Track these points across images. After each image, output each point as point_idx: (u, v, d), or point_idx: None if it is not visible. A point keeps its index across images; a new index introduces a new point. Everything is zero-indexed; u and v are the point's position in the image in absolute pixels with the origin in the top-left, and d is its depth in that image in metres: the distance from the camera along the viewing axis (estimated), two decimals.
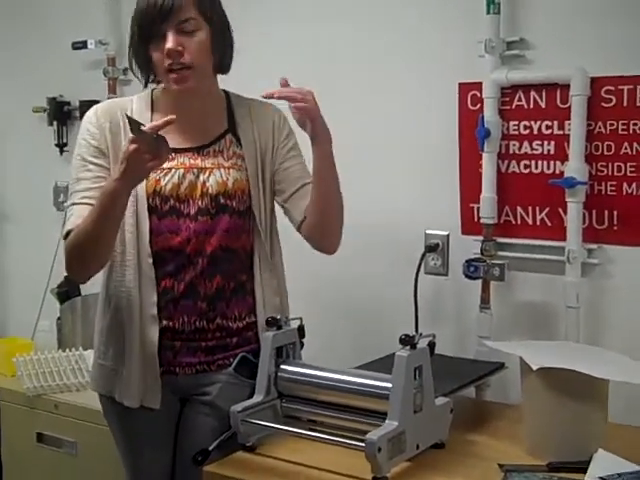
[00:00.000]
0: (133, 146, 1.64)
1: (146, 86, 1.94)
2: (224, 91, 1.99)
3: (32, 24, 3.31)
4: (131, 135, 1.65)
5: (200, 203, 1.86)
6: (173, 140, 1.88)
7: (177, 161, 1.88)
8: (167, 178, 1.87)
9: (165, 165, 1.85)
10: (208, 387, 1.90)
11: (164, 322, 1.87)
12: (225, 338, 1.91)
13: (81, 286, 2.99)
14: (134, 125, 1.64)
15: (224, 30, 1.89)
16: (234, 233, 1.90)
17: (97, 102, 2.00)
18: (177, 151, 1.88)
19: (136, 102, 1.94)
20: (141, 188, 1.84)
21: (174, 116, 1.68)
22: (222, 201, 1.87)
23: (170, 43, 1.79)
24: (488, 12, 2.22)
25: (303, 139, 1.91)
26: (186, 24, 1.80)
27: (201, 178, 1.88)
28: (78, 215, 1.81)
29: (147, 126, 1.66)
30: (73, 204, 1.85)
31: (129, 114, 1.86)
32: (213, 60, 1.87)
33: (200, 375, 1.90)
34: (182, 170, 1.87)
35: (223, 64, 1.91)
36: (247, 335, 1.93)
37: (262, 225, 1.93)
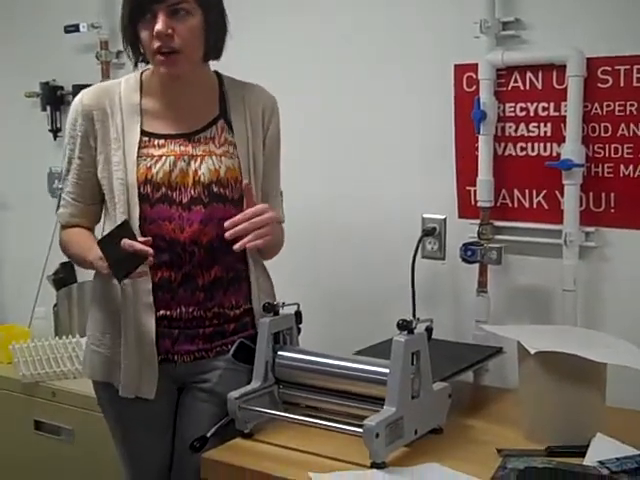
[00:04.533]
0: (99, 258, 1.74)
1: (136, 66, 1.91)
2: (217, 73, 1.96)
3: (24, 8, 3.29)
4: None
5: (193, 192, 1.84)
6: (163, 126, 1.88)
7: (167, 148, 1.86)
8: (158, 166, 1.84)
9: (156, 152, 1.85)
10: (207, 374, 1.90)
11: (161, 311, 1.86)
12: (222, 325, 1.90)
13: (77, 273, 2.99)
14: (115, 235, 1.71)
15: (218, 16, 1.86)
16: None
17: (90, 86, 1.97)
18: (167, 137, 1.87)
19: (124, 85, 1.91)
20: (132, 177, 1.83)
21: (152, 252, 1.69)
22: (215, 190, 1.85)
23: (160, 25, 1.76)
24: None
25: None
26: (179, 7, 1.77)
27: (192, 166, 1.85)
28: (66, 212, 1.94)
29: (125, 244, 1.68)
30: (63, 193, 1.94)
31: (117, 97, 1.86)
32: (205, 46, 1.84)
33: (198, 362, 1.89)
34: (173, 157, 1.85)
35: (215, 50, 1.88)
36: (244, 321, 1.93)
37: None
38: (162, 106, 1.89)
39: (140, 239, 1.71)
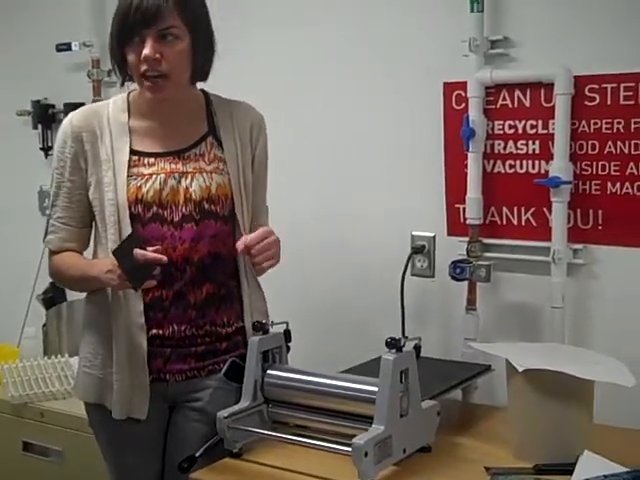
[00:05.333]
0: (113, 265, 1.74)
1: (122, 85, 1.90)
2: (202, 92, 1.96)
3: (16, 26, 3.29)
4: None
5: (184, 209, 1.84)
6: (152, 145, 1.88)
7: (157, 166, 1.86)
8: (148, 185, 1.84)
9: (146, 171, 1.85)
10: (198, 393, 1.89)
11: (153, 330, 1.85)
12: (214, 343, 1.90)
13: (67, 292, 2.98)
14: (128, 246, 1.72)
15: (207, 39, 1.86)
16: (220, 239, 1.88)
17: (82, 104, 1.99)
18: (157, 155, 1.87)
19: (112, 106, 1.91)
20: (122, 196, 1.82)
21: (165, 259, 1.72)
22: (207, 207, 1.85)
23: (148, 50, 1.76)
24: (472, 10, 2.22)
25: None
26: (167, 32, 1.77)
27: (183, 183, 1.85)
28: (57, 237, 1.91)
29: (138, 254, 1.70)
30: (52, 219, 1.92)
31: (105, 118, 1.86)
32: (192, 68, 1.84)
33: (190, 381, 1.89)
34: (163, 175, 1.85)
35: (202, 72, 1.88)
36: (236, 339, 1.93)
37: (245, 229, 1.91)
38: (150, 125, 1.89)
39: (150, 248, 1.73)
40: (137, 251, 1.70)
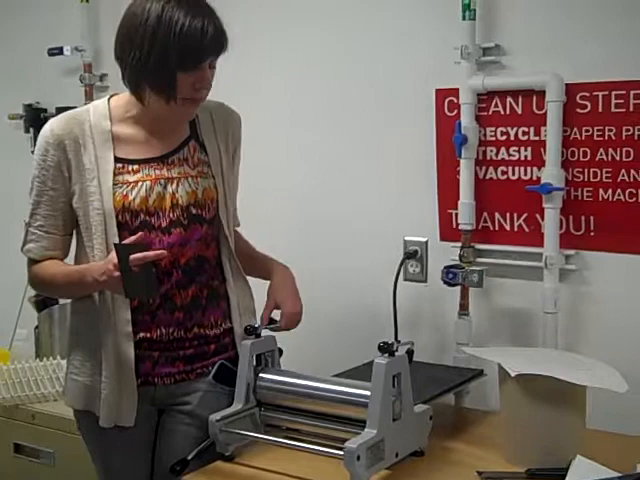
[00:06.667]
0: (114, 261, 1.70)
1: (143, 104, 1.82)
2: None
3: (7, 30, 3.29)
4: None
5: (172, 215, 1.84)
6: (135, 151, 1.86)
7: (142, 173, 1.84)
8: (134, 192, 1.82)
9: (131, 179, 1.83)
10: (188, 396, 1.89)
11: (141, 334, 1.85)
12: (203, 346, 1.90)
13: None
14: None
15: None
16: (205, 242, 1.89)
17: (74, 109, 1.95)
18: (141, 162, 1.85)
19: (93, 111, 1.87)
20: (108, 205, 1.80)
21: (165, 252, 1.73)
22: (194, 211, 1.86)
23: (208, 79, 1.78)
24: (464, 18, 2.23)
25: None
26: (216, 60, 1.79)
27: (169, 189, 1.84)
28: (39, 245, 1.88)
29: (135, 257, 1.68)
30: (31, 228, 1.88)
31: (87, 126, 1.84)
32: None
33: (179, 384, 1.88)
34: (149, 182, 1.84)
35: None
36: (224, 342, 1.93)
37: (228, 230, 1.93)
38: (133, 131, 1.87)
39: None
40: (134, 256, 1.67)
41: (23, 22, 3.24)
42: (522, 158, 2.24)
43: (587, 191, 2.16)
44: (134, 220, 1.82)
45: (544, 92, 2.15)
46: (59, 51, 3.06)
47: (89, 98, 3.03)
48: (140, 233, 1.75)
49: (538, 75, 2.17)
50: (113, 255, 1.71)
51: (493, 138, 2.28)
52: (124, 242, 1.75)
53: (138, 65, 1.74)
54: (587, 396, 1.77)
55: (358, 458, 1.58)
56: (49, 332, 2.97)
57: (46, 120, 3.15)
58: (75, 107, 1.98)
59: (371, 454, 1.62)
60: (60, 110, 2.98)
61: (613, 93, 2.09)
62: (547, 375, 1.69)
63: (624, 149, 2.10)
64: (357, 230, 2.49)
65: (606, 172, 2.13)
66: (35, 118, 3.20)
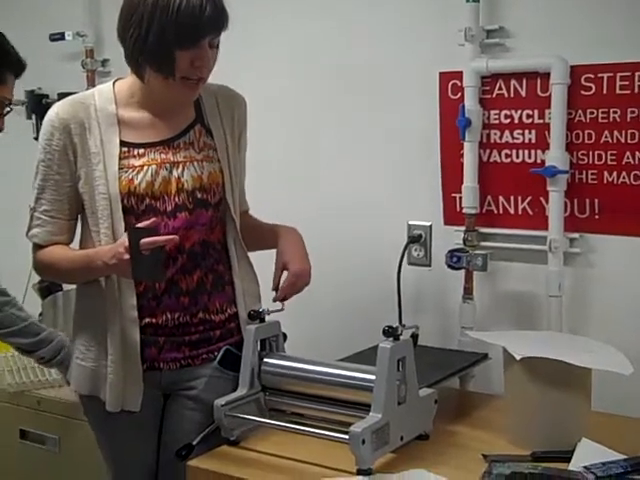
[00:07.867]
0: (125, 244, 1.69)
1: (143, 82, 1.81)
2: None
3: (9, 16, 3.27)
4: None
5: (177, 199, 1.83)
6: (141, 135, 1.85)
7: (148, 157, 1.84)
8: (140, 176, 1.82)
9: (136, 163, 1.83)
10: (193, 381, 1.89)
11: (146, 319, 1.85)
12: (208, 331, 1.90)
13: None
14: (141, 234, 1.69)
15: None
16: (210, 226, 1.89)
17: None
18: (146, 146, 1.84)
19: (98, 96, 1.87)
20: (114, 189, 1.80)
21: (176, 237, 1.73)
22: (199, 196, 1.85)
23: (209, 56, 1.76)
24: (468, 0, 2.22)
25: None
26: (218, 40, 1.77)
27: (175, 173, 1.84)
28: (44, 230, 1.87)
29: (146, 241, 1.67)
30: (37, 212, 1.88)
31: (92, 109, 1.83)
32: None
33: (185, 370, 1.89)
34: (154, 166, 1.83)
35: None
36: (229, 327, 1.93)
37: (235, 214, 1.92)
38: (138, 115, 1.86)
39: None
40: (145, 240, 1.67)
41: (25, 7, 3.22)
42: (526, 141, 2.23)
43: (592, 174, 2.15)
44: (139, 204, 1.82)
45: (548, 74, 2.14)
46: (61, 36, 3.06)
47: (91, 84, 3.02)
48: (154, 218, 1.75)
49: (542, 57, 2.16)
50: (124, 238, 1.71)
51: (497, 121, 2.27)
52: (137, 226, 1.74)
53: (138, 43, 1.74)
54: (592, 378, 1.77)
55: (363, 442, 1.58)
56: (53, 318, 2.97)
57: (48, 106, 3.15)
58: (77, 92, 1.97)
59: (376, 438, 1.62)
60: (62, 96, 2.99)
61: (618, 75, 2.08)
62: (552, 358, 1.69)
63: (629, 131, 2.09)
64: (361, 214, 2.48)
65: (611, 155, 2.12)
66: (37, 104, 3.20)
